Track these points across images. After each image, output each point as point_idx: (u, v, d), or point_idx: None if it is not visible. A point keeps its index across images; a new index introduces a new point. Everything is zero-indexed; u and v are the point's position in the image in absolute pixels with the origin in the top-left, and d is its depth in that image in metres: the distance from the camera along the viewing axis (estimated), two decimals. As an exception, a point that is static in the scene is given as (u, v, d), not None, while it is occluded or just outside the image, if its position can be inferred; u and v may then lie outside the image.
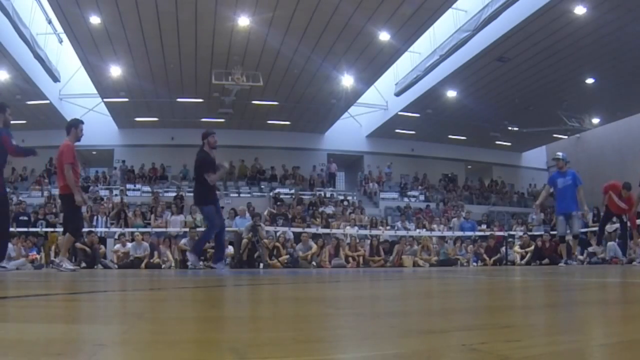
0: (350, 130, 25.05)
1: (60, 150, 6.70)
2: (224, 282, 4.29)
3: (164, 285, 3.96)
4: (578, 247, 14.18)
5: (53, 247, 11.81)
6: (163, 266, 11.40)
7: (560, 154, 9.46)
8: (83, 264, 10.46)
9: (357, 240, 13.58)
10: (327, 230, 13.88)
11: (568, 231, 9.34)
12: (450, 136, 25.38)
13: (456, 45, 16.02)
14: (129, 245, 11.68)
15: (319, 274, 6.97)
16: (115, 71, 17.97)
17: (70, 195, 6.61)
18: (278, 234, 12.81)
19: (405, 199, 22.87)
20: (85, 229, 11.94)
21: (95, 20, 14.51)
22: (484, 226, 16.05)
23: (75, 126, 6.84)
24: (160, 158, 23.15)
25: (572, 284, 3.54)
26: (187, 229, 12.41)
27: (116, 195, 17.35)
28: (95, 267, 10.89)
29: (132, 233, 12.07)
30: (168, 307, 2.01)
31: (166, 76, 18.65)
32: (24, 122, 19.97)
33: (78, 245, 10.96)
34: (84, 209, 12.52)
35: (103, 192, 18.41)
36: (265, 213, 14.24)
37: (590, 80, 18.28)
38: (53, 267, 7.09)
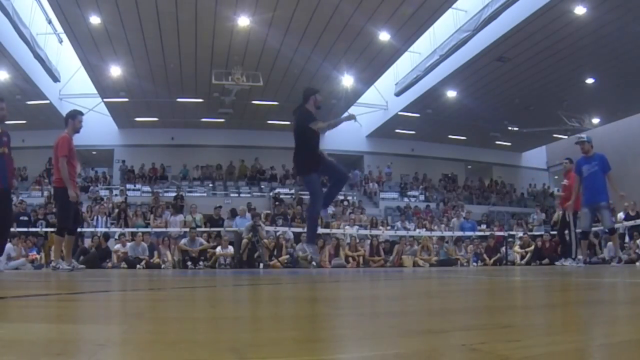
0: (350, 130, 25.02)
1: (55, 142, 6.51)
2: (223, 282, 4.30)
3: (164, 285, 3.96)
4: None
5: (53, 247, 11.82)
6: (163, 266, 11.40)
7: (584, 135, 8.03)
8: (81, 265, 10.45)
9: (357, 240, 13.58)
10: (327, 230, 13.88)
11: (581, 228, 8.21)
12: (450, 136, 25.39)
13: (456, 45, 16.03)
14: (128, 245, 11.69)
15: (319, 274, 6.96)
16: (115, 71, 17.97)
17: (64, 188, 6.36)
18: (278, 234, 12.81)
19: (405, 199, 22.88)
20: (87, 229, 11.98)
21: (95, 20, 14.52)
22: (484, 226, 16.05)
23: (72, 117, 6.60)
24: (160, 158, 23.17)
25: (572, 284, 3.54)
26: (187, 229, 12.42)
27: (116, 195, 17.35)
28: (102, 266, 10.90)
29: (132, 233, 12.08)
30: (168, 307, 2.01)
31: (166, 76, 18.65)
32: (24, 122, 19.99)
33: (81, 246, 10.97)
34: (83, 209, 12.58)
35: (103, 192, 18.42)
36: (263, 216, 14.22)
37: (590, 80, 18.29)
38: (52, 268, 7.04)
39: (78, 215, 7.58)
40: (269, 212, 15.17)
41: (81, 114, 6.79)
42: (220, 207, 14.23)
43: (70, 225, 6.69)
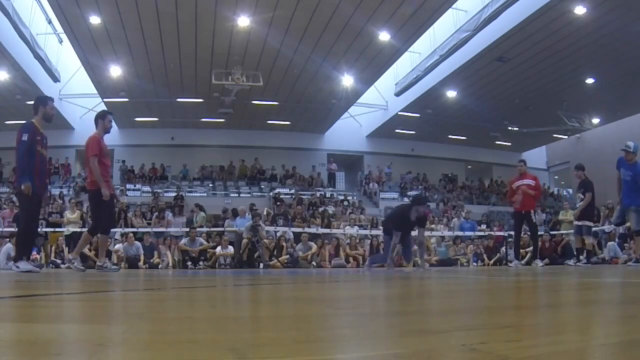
0: (350, 130, 25.06)
1: (86, 143, 6.49)
2: (223, 282, 4.30)
3: (164, 285, 3.96)
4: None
5: (53, 247, 11.82)
6: (160, 266, 11.41)
7: (631, 143, 8.29)
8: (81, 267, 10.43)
9: (357, 240, 13.57)
10: (327, 230, 13.88)
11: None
12: (450, 136, 25.39)
13: (456, 45, 16.03)
14: (124, 245, 11.69)
15: (319, 274, 6.96)
16: (115, 71, 17.96)
17: (97, 190, 6.22)
18: (278, 234, 12.82)
19: (405, 199, 22.86)
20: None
21: (95, 20, 14.51)
22: (483, 226, 16.04)
23: (102, 117, 6.58)
24: (160, 158, 23.16)
25: (572, 284, 3.54)
26: (187, 229, 12.42)
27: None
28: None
29: (133, 233, 12.08)
30: (168, 307, 2.01)
31: (166, 76, 18.65)
32: (24, 122, 19.91)
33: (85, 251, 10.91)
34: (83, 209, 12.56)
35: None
36: (264, 213, 14.25)
37: (590, 80, 18.29)
38: (97, 268, 6.99)
39: (113, 215, 7.56)
40: (270, 211, 15.17)
41: (110, 113, 6.79)
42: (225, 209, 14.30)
43: (105, 226, 6.58)
